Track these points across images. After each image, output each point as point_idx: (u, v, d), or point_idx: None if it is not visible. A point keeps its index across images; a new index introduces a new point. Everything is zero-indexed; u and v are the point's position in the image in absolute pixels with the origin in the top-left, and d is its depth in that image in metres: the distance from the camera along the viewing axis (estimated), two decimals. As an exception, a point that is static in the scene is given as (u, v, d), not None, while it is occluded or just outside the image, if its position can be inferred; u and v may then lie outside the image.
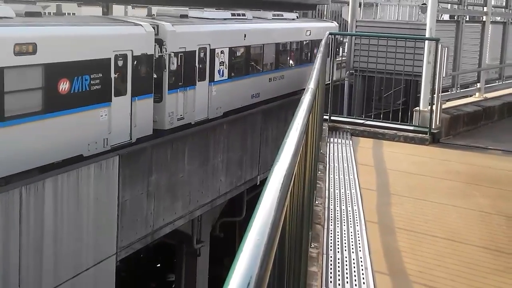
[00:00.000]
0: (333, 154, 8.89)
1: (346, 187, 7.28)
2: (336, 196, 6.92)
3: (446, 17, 15.77)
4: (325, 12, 36.52)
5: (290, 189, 2.02)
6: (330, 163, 8.30)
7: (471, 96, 13.10)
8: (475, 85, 13.29)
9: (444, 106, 10.62)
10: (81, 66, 14.01)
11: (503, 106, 12.72)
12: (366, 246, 5.48)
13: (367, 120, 10.82)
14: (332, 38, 11.10)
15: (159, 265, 23.05)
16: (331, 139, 9.83)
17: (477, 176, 8.25)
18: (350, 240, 5.61)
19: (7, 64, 12.27)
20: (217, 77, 19.60)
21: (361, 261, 5.14)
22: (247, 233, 1.48)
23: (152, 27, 16.59)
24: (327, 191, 7.00)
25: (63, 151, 13.78)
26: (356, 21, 17.27)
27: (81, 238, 13.36)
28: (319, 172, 7.22)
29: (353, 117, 11.57)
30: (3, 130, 12.35)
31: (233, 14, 21.88)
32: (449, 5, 12.65)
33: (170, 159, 16.09)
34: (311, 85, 3.85)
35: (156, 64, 16.60)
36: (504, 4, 14.56)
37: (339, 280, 4.78)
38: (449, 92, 12.25)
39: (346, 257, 5.21)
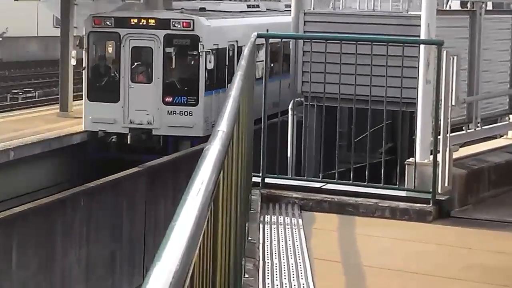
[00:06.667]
0: (271, 242, 8.90)
1: (294, 300, 7.29)
2: (276, 316, 6.90)
3: (454, 5, 16.21)
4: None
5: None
6: (266, 258, 8.30)
7: (501, 137, 13.39)
8: (507, 118, 13.60)
9: (456, 155, 10.81)
10: None
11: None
12: None
13: (328, 183, 10.91)
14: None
15: None
16: (267, 217, 9.85)
17: (515, 273, 8.39)
18: None
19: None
20: None
21: None
22: None
23: None
24: (260, 309, 6.98)
25: None
26: (305, 14, 17.48)
27: None
28: (246, 276, 7.21)
29: (304, 179, 11.65)
30: None
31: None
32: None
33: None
34: (222, 127, 3.85)
35: None
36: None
37: None
38: (464, 132, 12.48)
39: None
